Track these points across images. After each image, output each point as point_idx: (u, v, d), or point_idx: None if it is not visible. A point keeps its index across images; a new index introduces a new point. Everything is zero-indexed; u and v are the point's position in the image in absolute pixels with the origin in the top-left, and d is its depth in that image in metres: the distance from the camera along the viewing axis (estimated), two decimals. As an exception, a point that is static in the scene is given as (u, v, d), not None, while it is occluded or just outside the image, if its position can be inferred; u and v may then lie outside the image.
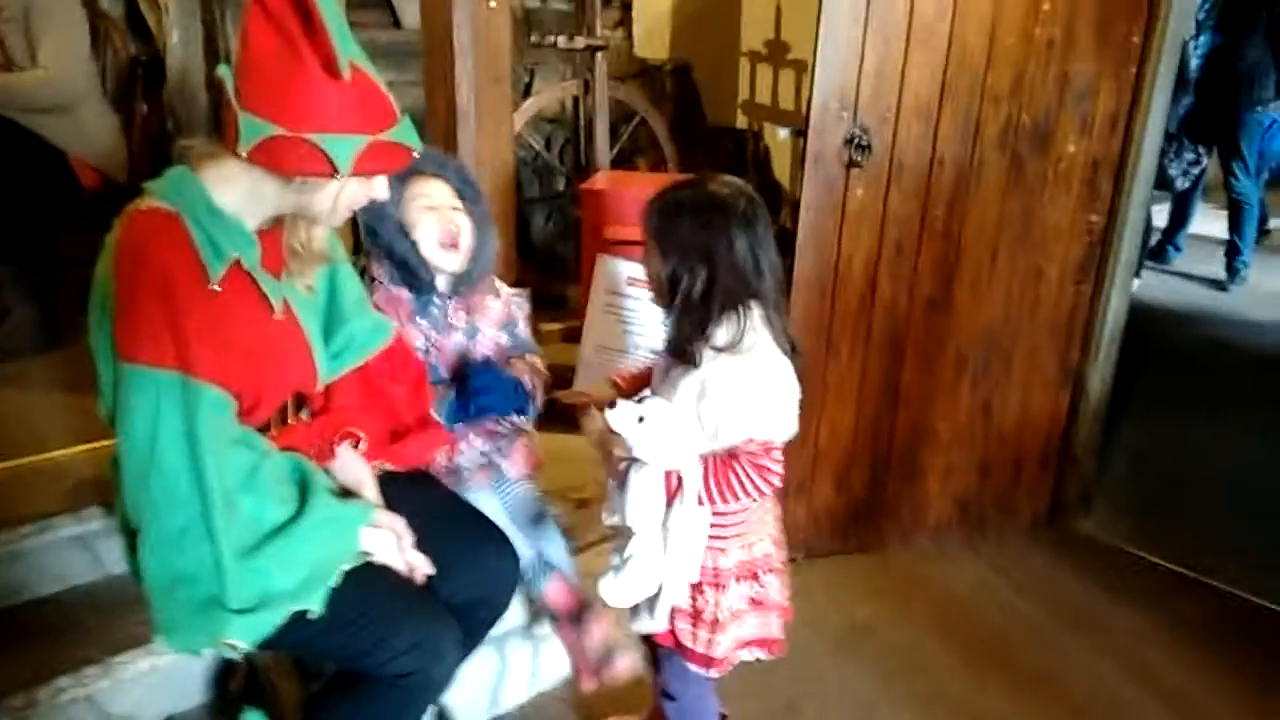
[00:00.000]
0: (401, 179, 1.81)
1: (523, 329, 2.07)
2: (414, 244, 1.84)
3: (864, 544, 2.84)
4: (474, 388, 1.85)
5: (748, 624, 1.64)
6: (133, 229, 1.31)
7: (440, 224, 1.85)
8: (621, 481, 1.54)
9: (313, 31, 1.26)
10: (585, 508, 2.28)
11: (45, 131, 2.59)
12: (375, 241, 1.83)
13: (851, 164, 2.40)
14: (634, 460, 1.52)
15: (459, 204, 1.90)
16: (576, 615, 1.96)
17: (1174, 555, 2.86)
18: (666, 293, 1.53)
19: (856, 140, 2.37)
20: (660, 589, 1.60)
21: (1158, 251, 5.65)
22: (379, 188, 1.43)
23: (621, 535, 1.61)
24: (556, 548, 1.99)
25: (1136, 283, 3.38)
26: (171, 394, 1.28)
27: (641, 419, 1.47)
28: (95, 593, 1.82)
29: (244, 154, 1.29)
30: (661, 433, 1.47)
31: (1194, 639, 2.49)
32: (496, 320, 2.01)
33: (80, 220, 2.81)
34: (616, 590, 1.59)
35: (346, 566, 1.42)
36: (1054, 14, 2.45)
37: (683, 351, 1.52)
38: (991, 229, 2.60)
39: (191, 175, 1.35)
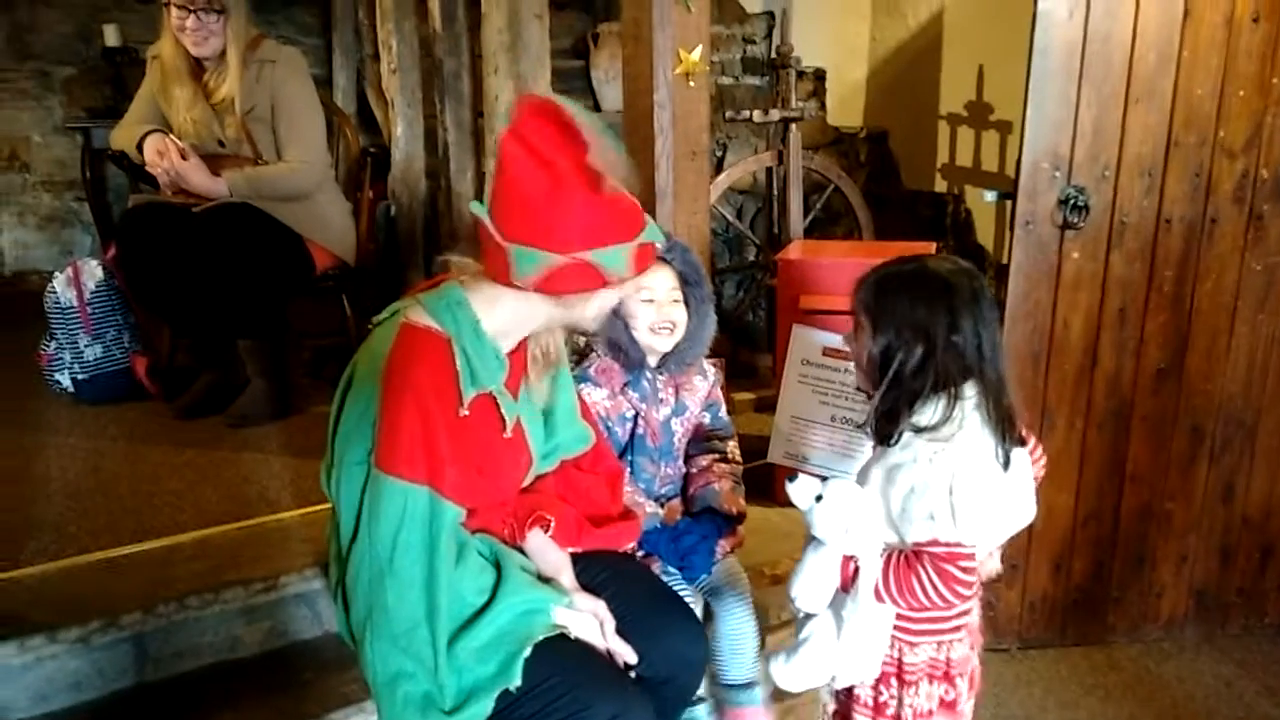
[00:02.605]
0: None
1: (723, 411, 2.08)
2: (628, 329, 1.86)
3: (1085, 635, 2.61)
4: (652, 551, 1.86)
5: None
6: (406, 345, 1.38)
7: (658, 316, 1.86)
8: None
9: (579, 155, 1.31)
10: (779, 584, 2.22)
11: (286, 218, 2.82)
12: None
13: (1066, 226, 2.28)
14: (814, 538, 1.47)
15: (679, 293, 1.89)
16: None
17: None
18: (876, 371, 1.46)
19: (1072, 201, 2.25)
20: (834, 680, 1.52)
21: None
22: (630, 287, 1.48)
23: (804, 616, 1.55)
24: (740, 666, 1.90)
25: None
26: (418, 508, 1.35)
27: (820, 497, 1.42)
28: (314, 649, 1.92)
29: (522, 285, 1.35)
30: (840, 514, 1.41)
31: None
32: (702, 399, 2.02)
33: (309, 297, 3.06)
34: (787, 674, 1.53)
35: (540, 637, 1.43)
36: (1295, 60, 2.26)
37: (882, 429, 1.45)
38: (1229, 292, 2.39)
39: (464, 298, 1.42)
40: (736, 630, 1.88)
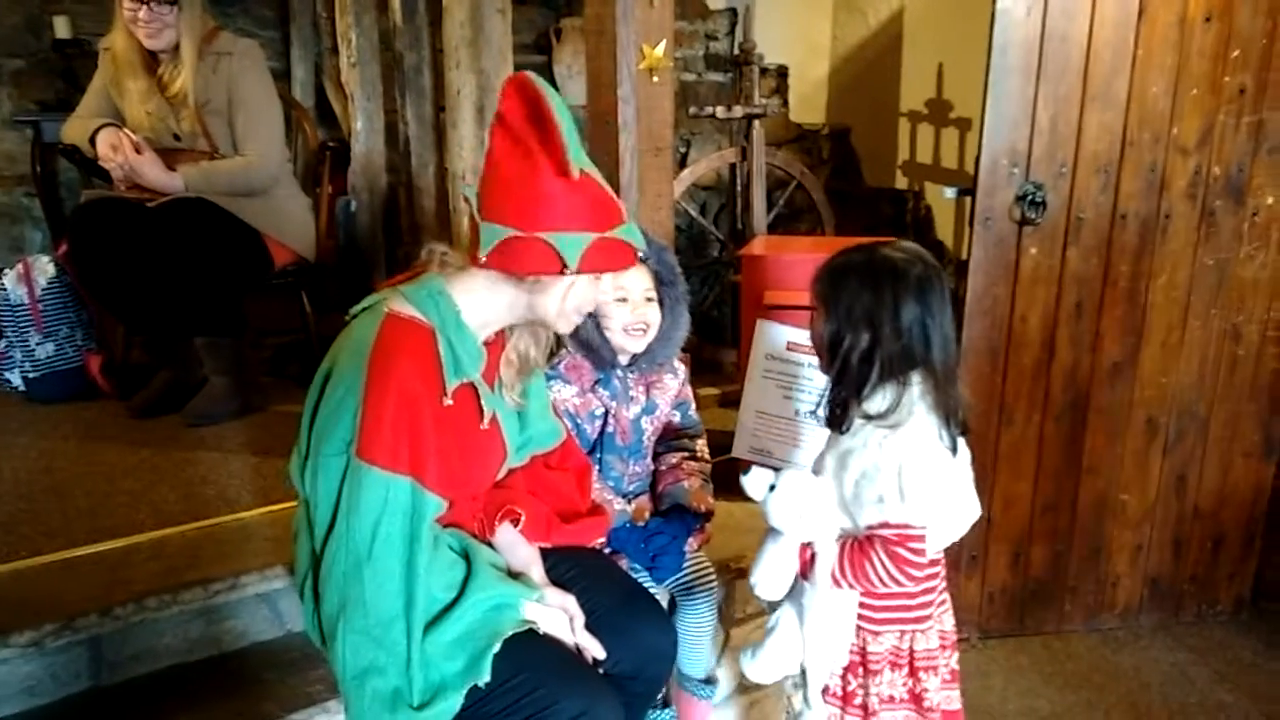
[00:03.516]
0: None
1: (693, 409, 2.08)
2: (601, 328, 1.84)
3: (1043, 625, 2.65)
4: (618, 547, 1.86)
5: (902, 717, 1.54)
6: (390, 335, 1.38)
7: (632, 316, 1.83)
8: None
9: (546, 136, 1.33)
10: (743, 578, 2.23)
11: (244, 214, 2.78)
12: None
13: (1024, 222, 2.31)
14: (772, 529, 1.49)
15: (654, 293, 1.86)
16: None
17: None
18: (826, 356, 1.50)
19: (1030, 197, 2.28)
20: (804, 671, 1.54)
21: None
22: (605, 288, 1.50)
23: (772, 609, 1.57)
24: (696, 660, 1.92)
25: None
26: (400, 499, 1.35)
27: (773, 487, 1.44)
28: (275, 649, 1.89)
29: (483, 259, 1.36)
30: (794, 502, 1.43)
31: None
32: (672, 398, 2.02)
33: (268, 293, 3.02)
34: (756, 667, 1.56)
35: (509, 633, 1.43)
36: (1244, 61, 2.31)
37: (835, 416, 1.49)
38: (1182, 287, 2.44)
39: (444, 287, 1.43)
40: (696, 625, 1.89)
